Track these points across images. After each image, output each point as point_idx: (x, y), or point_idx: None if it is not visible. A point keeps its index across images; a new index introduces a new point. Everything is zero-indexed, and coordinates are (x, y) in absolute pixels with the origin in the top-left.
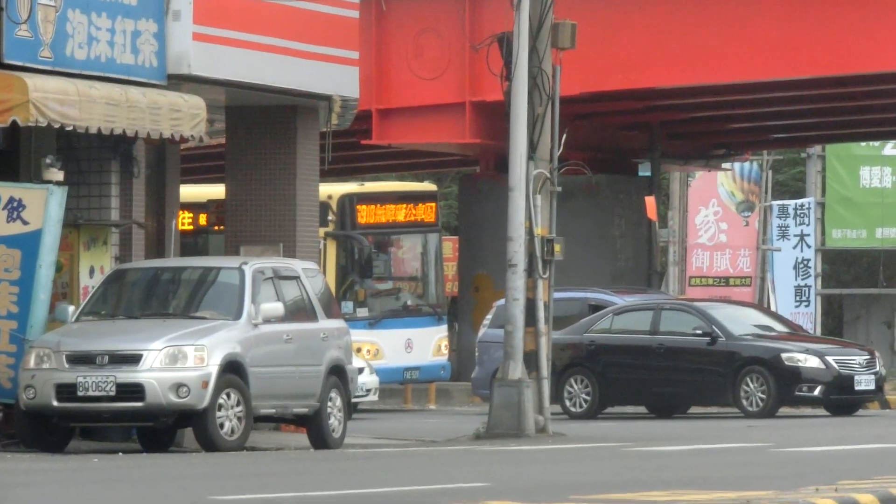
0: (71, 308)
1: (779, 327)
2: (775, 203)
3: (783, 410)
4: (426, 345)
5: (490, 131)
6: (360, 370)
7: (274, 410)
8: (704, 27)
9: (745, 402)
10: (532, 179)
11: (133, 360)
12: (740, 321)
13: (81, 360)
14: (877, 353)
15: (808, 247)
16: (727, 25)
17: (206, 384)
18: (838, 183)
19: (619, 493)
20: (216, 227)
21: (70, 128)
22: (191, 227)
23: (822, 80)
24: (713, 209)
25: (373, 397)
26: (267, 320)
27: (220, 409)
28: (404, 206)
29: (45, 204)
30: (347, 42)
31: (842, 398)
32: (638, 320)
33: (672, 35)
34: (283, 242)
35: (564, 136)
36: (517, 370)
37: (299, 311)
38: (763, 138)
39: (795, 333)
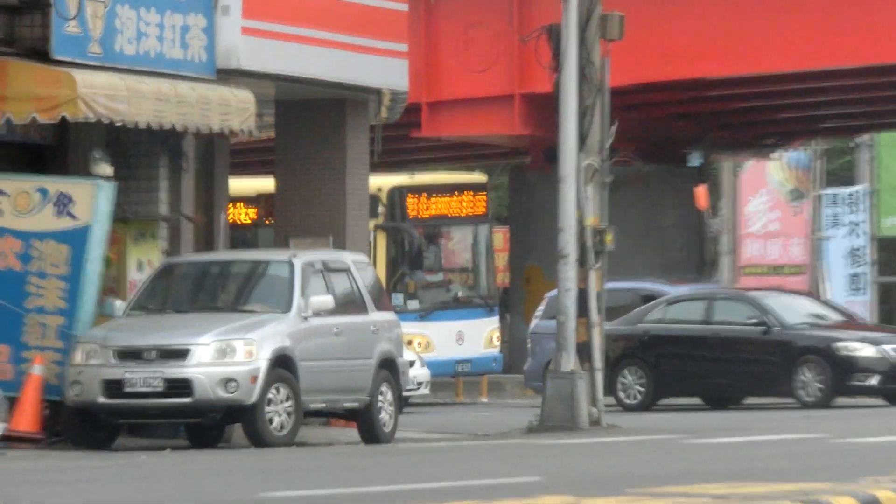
0: (119, 303)
1: (833, 316)
2: (827, 191)
3: (840, 400)
4: (477, 337)
5: (539, 123)
6: (411, 363)
7: (324, 405)
8: (752, 16)
9: (801, 392)
10: (582, 170)
11: (181, 354)
12: (794, 310)
13: (129, 355)
14: None
15: (862, 235)
16: (775, 14)
17: (255, 379)
18: (888, 172)
19: (674, 486)
20: (266, 221)
21: (119, 123)
22: (241, 220)
23: (871, 69)
24: (764, 198)
25: (424, 391)
26: (317, 313)
27: (269, 404)
28: (454, 197)
29: (93, 199)
30: (396, 35)
31: None
32: (691, 310)
33: (720, 25)
34: (333, 235)
35: (614, 126)
36: (570, 361)
37: (349, 303)
38: (813, 127)
39: (850, 322)
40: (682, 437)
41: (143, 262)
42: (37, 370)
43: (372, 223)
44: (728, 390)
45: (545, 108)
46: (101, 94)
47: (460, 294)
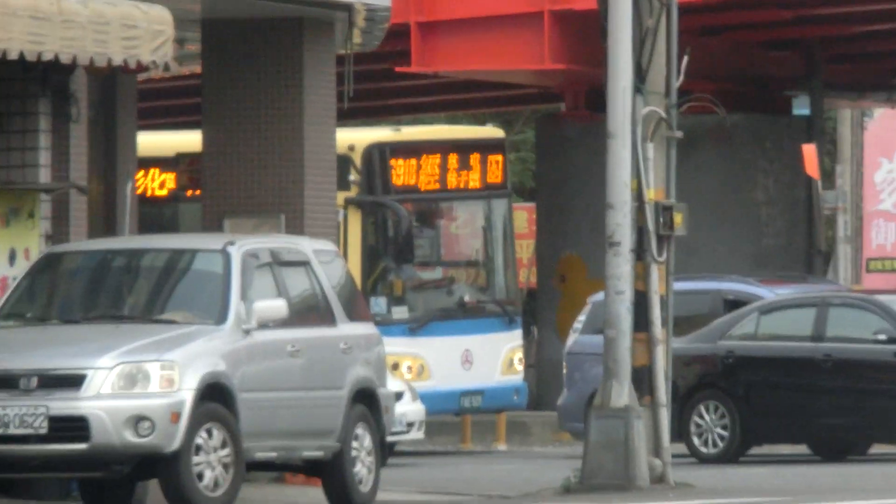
0: None
1: None
2: None
3: None
4: (492, 358)
5: (579, 53)
6: (398, 396)
7: (275, 454)
8: None
9: None
10: (640, 121)
11: (72, 382)
12: None
13: None
14: None
15: None
16: None
17: (176, 417)
18: None
19: None
20: (189, 193)
21: None
22: (155, 192)
23: None
24: None
25: (417, 434)
26: (263, 325)
27: (197, 453)
28: (458, 159)
29: None
30: None
31: None
32: (795, 322)
33: None
34: (286, 213)
35: (686, 59)
36: (623, 394)
37: (310, 311)
38: None
39: None
40: (781, 502)
41: (17, 252)
42: None
43: (341, 196)
44: (846, 435)
45: (587, 31)
46: None
47: (467, 298)
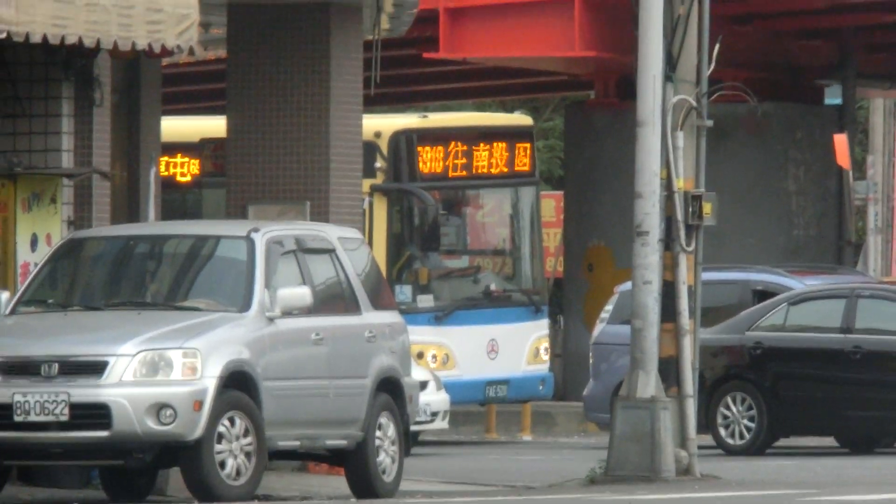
0: (4, 295)
1: None
2: None
3: None
4: (518, 348)
5: (609, 40)
6: (423, 385)
7: (298, 443)
8: None
9: None
10: (671, 109)
11: (94, 369)
12: None
13: (19, 369)
14: None
15: None
16: None
17: (199, 405)
18: None
19: None
20: (214, 178)
21: (2, 35)
22: (178, 177)
23: None
24: None
25: (441, 423)
26: (287, 312)
27: (219, 441)
28: (486, 147)
29: None
30: None
31: None
32: (825, 313)
33: None
34: (311, 200)
35: (717, 46)
36: (650, 385)
37: (334, 299)
38: None
39: None
40: (808, 494)
41: (39, 237)
42: None
43: (367, 184)
44: (875, 427)
45: (618, 19)
46: None
47: (494, 287)
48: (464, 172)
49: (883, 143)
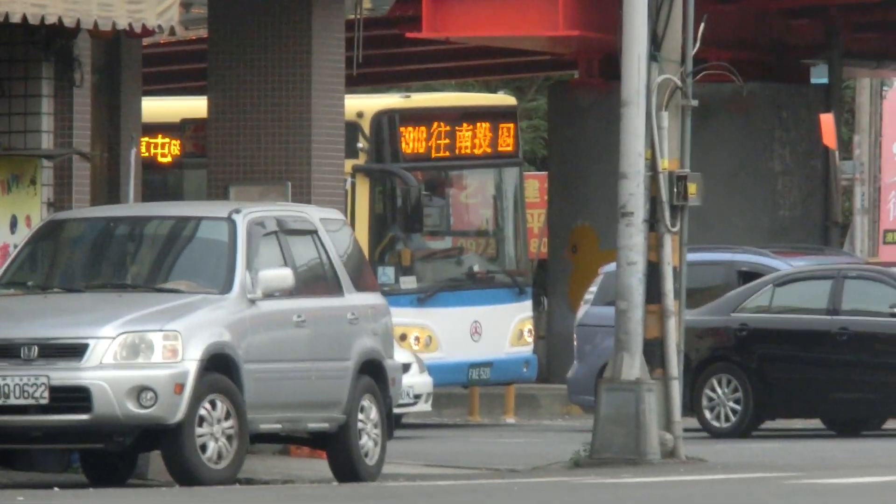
0: None
1: None
2: None
3: None
4: (501, 330)
5: (594, 19)
6: (406, 367)
7: (280, 426)
8: None
9: None
10: (655, 89)
11: (74, 352)
12: None
13: None
14: None
15: None
16: None
17: (180, 388)
18: None
19: None
20: (195, 159)
21: None
22: (159, 158)
23: None
24: None
25: (424, 406)
26: (269, 294)
27: (200, 425)
28: (469, 127)
29: None
30: None
31: None
32: (810, 294)
33: None
34: (293, 180)
35: (703, 26)
36: (634, 367)
37: (316, 280)
38: None
39: None
40: (793, 477)
41: (19, 219)
42: None
43: (349, 164)
44: (861, 409)
45: None
46: None
47: (477, 268)
48: (447, 153)
49: (869, 123)
